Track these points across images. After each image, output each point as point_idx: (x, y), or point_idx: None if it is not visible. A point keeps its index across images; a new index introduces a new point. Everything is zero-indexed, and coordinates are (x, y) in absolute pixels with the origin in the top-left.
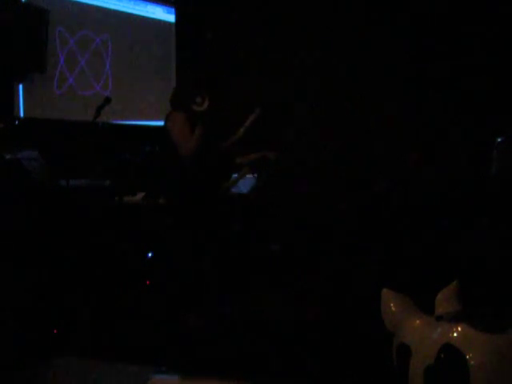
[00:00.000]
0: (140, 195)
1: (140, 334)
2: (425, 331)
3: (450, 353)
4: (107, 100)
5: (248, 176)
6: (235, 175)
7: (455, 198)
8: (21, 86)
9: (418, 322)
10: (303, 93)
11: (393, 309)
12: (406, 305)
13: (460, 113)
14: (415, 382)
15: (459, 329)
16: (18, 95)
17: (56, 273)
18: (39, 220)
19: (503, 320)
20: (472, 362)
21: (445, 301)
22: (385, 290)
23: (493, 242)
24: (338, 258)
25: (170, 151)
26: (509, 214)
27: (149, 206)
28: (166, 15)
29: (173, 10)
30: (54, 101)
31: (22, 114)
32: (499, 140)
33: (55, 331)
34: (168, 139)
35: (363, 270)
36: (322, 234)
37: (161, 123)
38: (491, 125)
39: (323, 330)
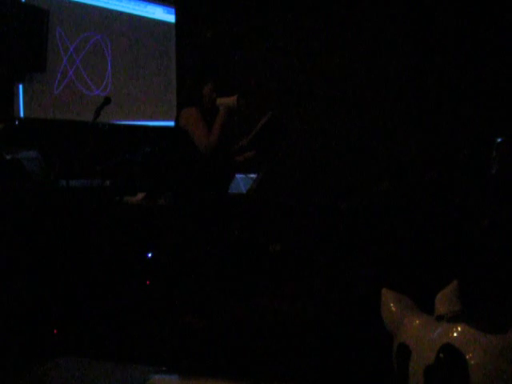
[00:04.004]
0: (140, 195)
1: (140, 334)
2: (425, 331)
3: (449, 353)
4: (107, 100)
5: (247, 176)
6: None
7: (455, 197)
8: (21, 86)
9: (417, 321)
10: (303, 92)
11: (393, 309)
12: (405, 305)
13: (460, 113)
14: (415, 382)
15: (459, 329)
16: (18, 95)
17: (56, 273)
18: (39, 220)
19: (503, 320)
20: (472, 362)
21: (445, 301)
22: (385, 290)
23: (493, 241)
24: (338, 258)
25: (184, 150)
26: (509, 214)
27: (149, 206)
28: (166, 15)
29: (173, 10)
30: (54, 101)
31: (22, 114)
32: (499, 140)
33: (55, 331)
34: (182, 137)
35: (363, 270)
36: (322, 233)
37: (161, 123)
38: (491, 125)
39: (323, 329)
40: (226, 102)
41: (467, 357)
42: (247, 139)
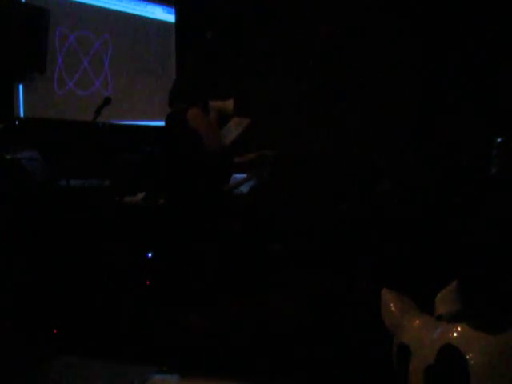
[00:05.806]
0: (140, 195)
1: (140, 334)
2: (425, 331)
3: (449, 353)
4: (107, 100)
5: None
6: (236, 175)
7: (455, 198)
8: (21, 86)
9: (417, 322)
10: (303, 92)
11: (393, 309)
12: (406, 305)
13: (460, 112)
14: (415, 382)
15: (459, 329)
16: (18, 95)
17: (56, 273)
18: (39, 220)
19: (503, 320)
20: (472, 362)
21: (445, 301)
22: (385, 290)
23: (493, 241)
24: (338, 258)
25: (190, 149)
26: (509, 214)
27: (149, 206)
28: (166, 15)
29: (173, 10)
30: (54, 101)
31: (22, 114)
32: (499, 140)
33: (55, 331)
34: (190, 138)
35: (363, 270)
36: (322, 234)
37: (161, 123)
38: (491, 125)
39: (323, 329)
40: (220, 105)
41: (467, 357)
42: (227, 141)
